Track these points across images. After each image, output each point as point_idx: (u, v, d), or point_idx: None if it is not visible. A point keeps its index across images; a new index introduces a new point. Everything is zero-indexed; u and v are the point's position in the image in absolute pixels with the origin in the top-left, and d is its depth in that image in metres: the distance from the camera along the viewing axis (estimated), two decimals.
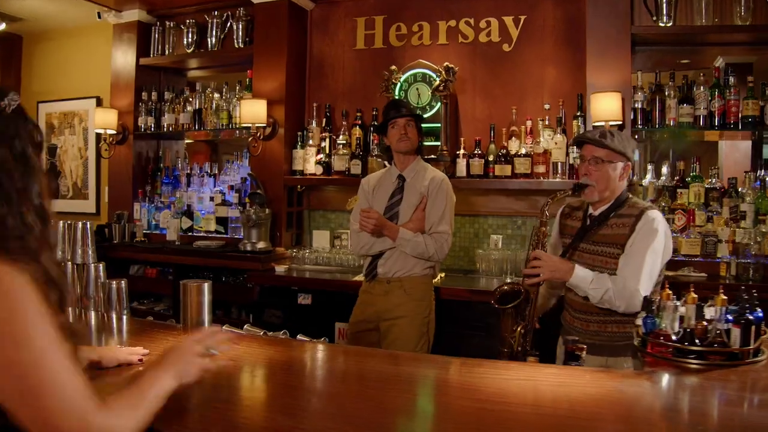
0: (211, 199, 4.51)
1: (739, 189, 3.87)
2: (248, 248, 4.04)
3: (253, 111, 4.07)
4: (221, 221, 4.40)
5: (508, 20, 4.23)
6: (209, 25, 4.53)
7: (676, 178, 3.94)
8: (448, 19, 4.32)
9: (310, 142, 4.31)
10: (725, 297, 1.80)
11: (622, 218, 2.48)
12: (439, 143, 4.03)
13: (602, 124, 3.67)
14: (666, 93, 3.86)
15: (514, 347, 2.46)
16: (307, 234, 4.58)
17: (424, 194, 3.24)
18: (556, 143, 3.97)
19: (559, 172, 3.98)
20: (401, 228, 3.15)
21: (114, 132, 4.66)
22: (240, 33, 4.46)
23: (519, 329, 2.46)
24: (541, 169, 3.97)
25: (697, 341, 1.78)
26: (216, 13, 4.53)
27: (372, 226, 3.10)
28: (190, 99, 4.60)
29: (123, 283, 2.29)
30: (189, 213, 4.50)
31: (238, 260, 4.02)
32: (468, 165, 4.05)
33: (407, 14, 4.39)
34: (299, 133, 4.37)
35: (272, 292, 3.84)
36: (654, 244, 2.38)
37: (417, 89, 4.13)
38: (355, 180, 4.15)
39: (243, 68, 4.56)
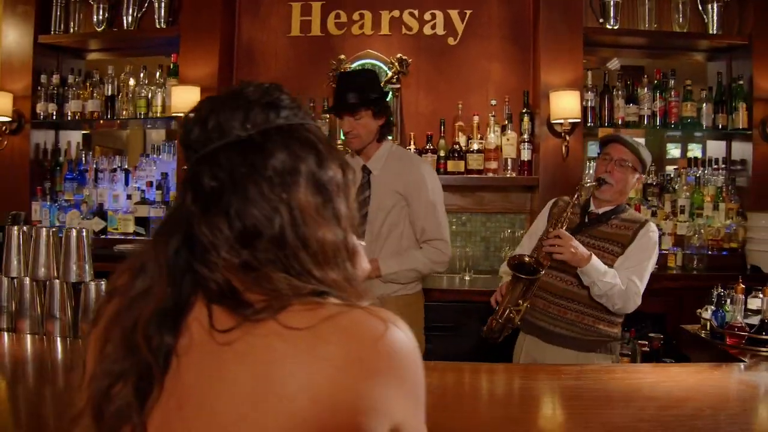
0: (129, 197, 4.19)
1: (675, 185, 4.25)
2: None
3: (184, 99, 3.83)
4: (141, 222, 4.10)
5: (454, 14, 4.30)
6: (124, 2, 4.23)
7: None
8: (392, 9, 4.30)
9: None
10: None
11: (624, 222, 2.64)
12: (390, 138, 4.02)
13: (561, 121, 3.83)
14: (614, 93, 4.13)
15: (514, 321, 2.52)
16: None
17: (401, 194, 2.81)
18: (508, 139, 4.09)
19: (510, 167, 4.12)
20: (380, 259, 2.76)
21: (8, 119, 4.21)
22: (162, 12, 4.18)
23: (525, 304, 2.51)
24: (492, 165, 4.08)
25: None
26: None
27: None
28: (101, 84, 4.27)
29: None
30: (101, 213, 4.15)
31: None
32: None
33: (348, 1, 4.32)
34: None
35: None
36: (653, 256, 2.59)
37: None
38: None
39: (165, 51, 4.28)
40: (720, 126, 4.12)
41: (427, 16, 4.30)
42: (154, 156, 4.36)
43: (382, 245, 2.80)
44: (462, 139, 4.13)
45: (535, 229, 2.89)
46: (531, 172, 4.11)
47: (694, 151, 4.83)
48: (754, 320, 2.00)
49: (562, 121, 3.83)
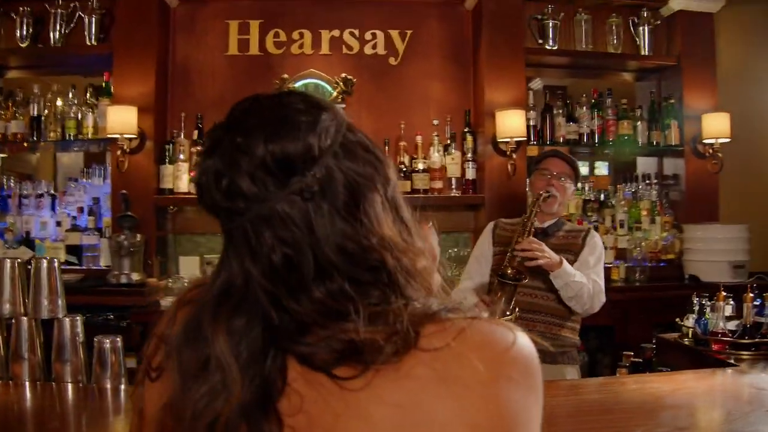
0: (58, 224, 4.00)
1: (612, 201, 4.45)
2: (123, 281, 3.64)
3: (122, 119, 3.70)
4: (73, 250, 3.92)
5: (395, 34, 4.37)
6: (51, 17, 4.06)
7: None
8: (332, 28, 4.32)
9: (181, 156, 4.04)
10: None
11: (569, 232, 2.85)
12: None
13: (508, 140, 3.94)
14: (554, 111, 4.29)
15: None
16: (173, 261, 4.26)
17: None
18: (453, 158, 4.17)
19: (454, 186, 4.19)
20: None
21: None
22: (93, 28, 4.04)
23: (514, 315, 2.56)
24: (438, 184, 4.14)
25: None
26: (61, 2, 4.08)
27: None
28: (26, 104, 4.07)
29: (118, 340, 1.84)
30: (28, 242, 3.94)
31: (114, 295, 3.58)
32: None
33: (286, 20, 4.31)
34: (167, 147, 4.07)
35: None
36: (603, 258, 2.80)
37: None
38: None
39: (95, 70, 4.13)
40: (654, 143, 4.35)
41: (367, 36, 4.35)
42: (84, 180, 4.19)
43: None
44: (405, 159, 4.18)
45: (479, 252, 3.01)
46: (476, 191, 4.20)
47: (601, 168, 5.11)
48: (729, 326, 2.13)
49: (508, 139, 3.94)
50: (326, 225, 0.72)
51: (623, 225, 4.28)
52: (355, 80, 4.04)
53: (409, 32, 4.36)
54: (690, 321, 2.23)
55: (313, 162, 0.72)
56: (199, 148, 4.04)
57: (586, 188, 4.47)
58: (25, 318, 1.90)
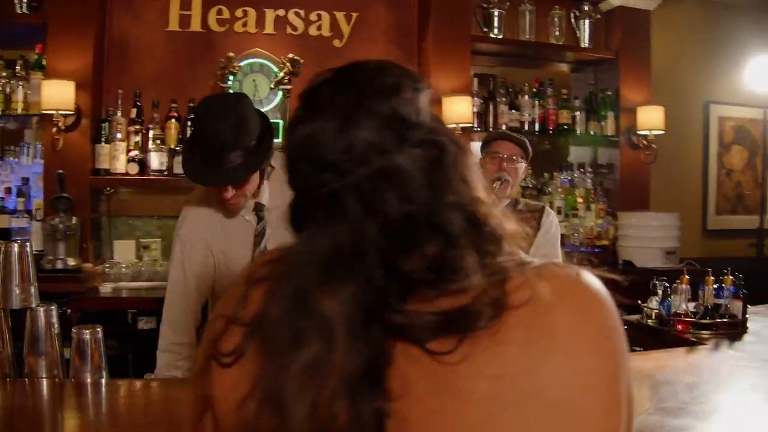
0: None
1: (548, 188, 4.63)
2: (59, 266, 3.51)
3: (57, 95, 3.55)
4: (1, 234, 3.75)
5: (340, 16, 4.37)
6: None
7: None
8: (277, 7, 4.27)
9: (118, 135, 3.92)
10: (732, 277, 2.36)
11: (523, 213, 2.84)
12: (279, 140, 3.99)
13: (454, 126, 4.03)
14: (498, 99, 4.41)
15: None
16: (107, 245, 4.14)
17: None
18: None
19: None
20: None
21: None
22: None
23: None
24: None
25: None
26: None
27: None
28: None
29: (99, 331, 1.73)
30: None
31: (48, 282, 3.41)
32: None
33: None
34: (103, 125, 3.94)
35: (100, 319, 3.35)
36: (559, 237, 2.89)
37: (254, 81, 4.03)
38: (176, 181, 3.91)
39: (26, 42, 3.95)
40: (592, 132, 4.54)
41: (312, 17, 4.32)
42: (11, 159, 4.00)
43: None
44: None
45: None
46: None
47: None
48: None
49: (454, 125, 4.02)
50: (441, 182, 0.74)
51: (560, 212, 4.46)
52: (302, 61, 4.02)
53: (354, 15, 4.37)
54: (654, 303, 2.38)
55: (423, 123, 0.76)
56: (136, 127, 3.94)
57: (527, 176, 4.62)
58: None
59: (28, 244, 1.82)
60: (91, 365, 1.72)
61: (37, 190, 3.89)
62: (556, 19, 4.49)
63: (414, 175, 0.74)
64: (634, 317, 2.51)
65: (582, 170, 4.69)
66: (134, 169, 3.87)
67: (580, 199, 4.55)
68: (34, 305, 1.79)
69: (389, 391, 0.69)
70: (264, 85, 4.03)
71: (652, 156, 4.42)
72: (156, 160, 3.89)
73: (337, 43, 4.35)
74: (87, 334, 1.73)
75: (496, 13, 4.34)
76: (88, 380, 1.72)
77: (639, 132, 4.41)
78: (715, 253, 4.85)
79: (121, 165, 3.89)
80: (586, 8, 4.52)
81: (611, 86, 4.59)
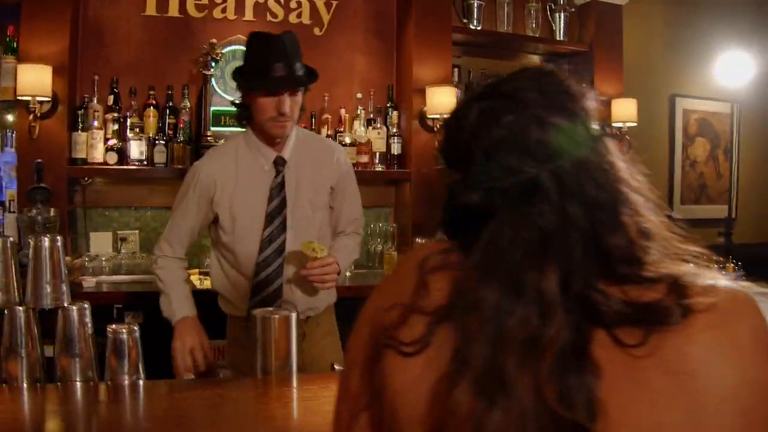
0: None
1: None
2: None
3: (34, 80, 3.44)
4: None
5: (320, 4, 4.36)
6: None
7: None
8: None
9: (95, 123, 3.84)
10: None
11: None
12: None
13: (438, 116, 4.09)
14: None
15: None
16: (83, 238, 4.05)
17: (326, 184, 2.59)
18: (378, 133, 4.27)
19: (378, 161, 4.29)
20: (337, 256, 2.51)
21: None
22: None
23: None
24: (364, 159, 4.23)
25: None
26: None
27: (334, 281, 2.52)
28: None
29: (136, 329, 1.69)
30: None
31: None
32: None
33: None
34: (79, 113, 3.85)
35: None
36: None
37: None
38: (155, 171, 3.87)
39: None
40: None
41: (293, 4, 4.31)
42: None
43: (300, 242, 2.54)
44: (329, 132, 4.22)
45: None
46: (401, 166, 4.33)
47: None
48: None
49: (438, 116, 4.09)
50: (621, 177, 0.85)
51: None
52: None
53: (335, 2, 4.38)
54: None
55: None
56: (114, 115, 3.87)
57: None
58: (21, 308, 1.70)
59: (59, 237, 1.77)
60: (129, 366, 1.68)
61: (10, 181, 3.79)
62: (532, 12, 4.60)
63: (602, 167, 0.83)
64: None
65: None
66: (113, 158, 3.80)
67: None
68: (66, 304, 1.73)
69: (598, 367, 0.72)
70: None
71: (625, 147, 4.58)
72: (135, 149, 3.83)
73: (317, 31, 4.36)
74: (124, 333, 1.70)
75: (476, 4, 4.42)
76: (126, 382, 1.68)
77: (613, 124, 4.57)
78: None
79: (98, 154, 3.81)
80: (561, 1, 4.65)
81: (585, 79, 4.73)
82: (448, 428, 0.76)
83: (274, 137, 2.47)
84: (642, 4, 4.97)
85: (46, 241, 1.73)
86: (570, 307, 0.75)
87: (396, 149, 4.30)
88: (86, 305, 1.75)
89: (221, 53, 3.92)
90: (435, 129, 4.19)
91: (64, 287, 1.75)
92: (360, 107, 4.28)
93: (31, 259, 1.73)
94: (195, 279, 3.72)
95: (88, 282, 3.54)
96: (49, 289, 1.71)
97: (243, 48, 3.97)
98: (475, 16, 4.44)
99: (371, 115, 4.32)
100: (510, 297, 0.76)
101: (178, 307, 2.48)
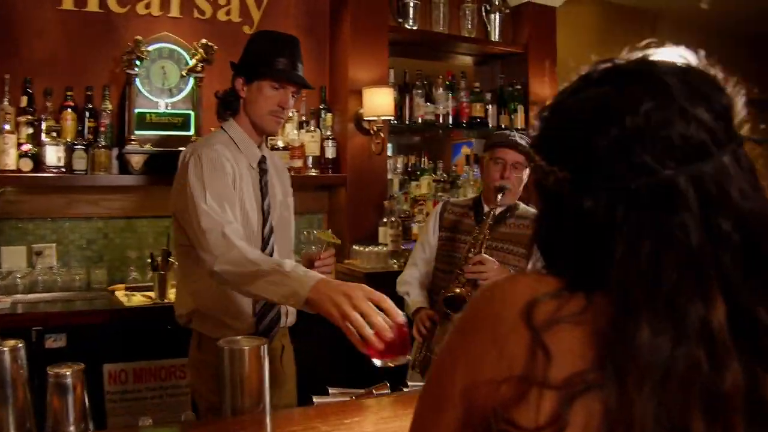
0: None
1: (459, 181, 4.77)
2: None
3: None
4: None
5: (251, 1, 4.26)
6: None
7: (409, 170, 4.72)
8: None
9: (7, 127, 3.59)
10: None
11: (521, 219, 2.83)
12: (191, 133, 3.84)
13: (375, 118, 4.04)
14: (414, 92, 4.47)
15: None
16: None
17: (291, 193, 2.71)
18: (312, 136, 4.19)
19: (311, 165, 4.21)
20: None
21: None
22: None
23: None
24: (297, 163, 4.13)
25: None
26: None
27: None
28: None
29: (81, 370, 1.49)
30: None
31: None
32: None
33: None
34: None
35: None
36: None
37: (163, 68, 3.81)
38: (78, 179, 3.66)
39: None
40: (503, 126, 4.71)
41: (221, 1, 4.18)
42: None
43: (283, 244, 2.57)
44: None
45: (424, 239, 3.04)
46: (336, 170, 4.26)
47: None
48: None
49: (375, 117, 4.04)
50: (758, 184, 0.73)
51: None
52: (216, 48, 3.86)
53: (265, 0, 4.28)
54: None
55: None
56: (28, 117, 3.63)
57: (440, 169, 4.75)
58: None
59: None
60: (74, 414, 1.47)
61: None
62: (467, 12, 4.61)
63: (744, 172, 0.72)
64: None
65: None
66: (27, 165, 3.56)
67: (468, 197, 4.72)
68: None
69: None
70: (174, 72, 3.84)
71: None
72: (52, 155, 3.60)
73: (247, 29, 4.22)
74: (68, 377, 1.48)
75: (411, 4, 4.39)
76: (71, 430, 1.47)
77: None
78: None
79: (11, 161, 3.56)
80: (497, 2, 4.68)
81: (519, 80, 4.78)
82: None
83: (270, 132, 2.54)
84: (574, 7, 5.07)
85: None
86: (740, 346, 0.66)
87: (330, 153, 4.23)
88: (21, 345, 1.55)
89: (147, 51, 3.74)
90: (372, 131, 4.14)
91: None
92: (295, 109, 4.18)
93: None
94: (121, 296, 3.54)
95: (2, 302, 3.29)
96: None
97: (170, 46, 3.93)
98: (411, 16, 4.40)
99: (303, 118, 4.23)
100: (673, 337, 0.65)
101: (302, 272, 1.88)
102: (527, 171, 2.75)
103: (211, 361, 2.17)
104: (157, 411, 3.26)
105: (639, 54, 0.82)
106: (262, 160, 2.50)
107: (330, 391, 1.83)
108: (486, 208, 2.83)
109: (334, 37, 4.38)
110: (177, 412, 3.32)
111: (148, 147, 3.71)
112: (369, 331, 1.56)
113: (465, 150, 5.24)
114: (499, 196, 2.68)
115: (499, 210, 2.77)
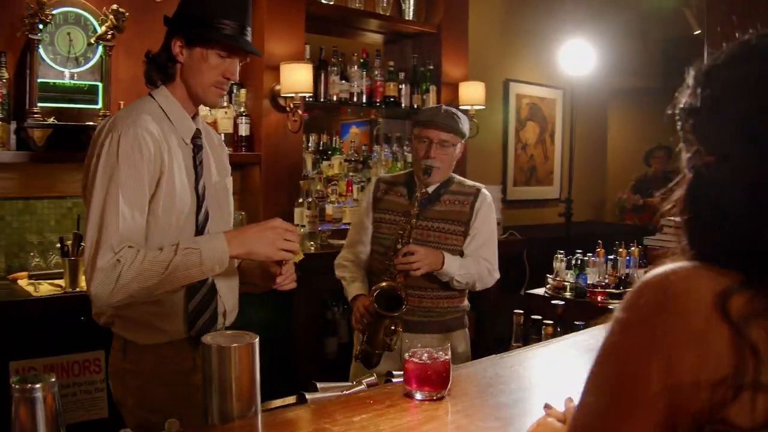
0: None
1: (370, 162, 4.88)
2: None
3: None
4: None
5: None
6: None
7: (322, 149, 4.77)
8: None
9: None
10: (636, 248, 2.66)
11: (455, 195, 2.88)
12: (98, 106, 3.69)
13: (293, 95, 4.04)
14: (329, 69, 4.51)
15: (391, 346, 2.68)
16: None
17: (230, 174, 2.37)
18: (226, 113, 4.13)
19: (223, 142, 4.14)
20: None
21: None
22: None
23: (398, 328, 2.68)
24: None
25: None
26: None
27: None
28: None
29: (54, 382, 1.29)
30: None
31: None
32: None
33: None
34: None
35: None
36: (495, 224, 2.95)
37: (69, 34, 3.60)
38: None
39: None
40: (416, 106, 4.84)
41: None
42: None
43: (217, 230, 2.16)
44: None
45: (358, 220, 3.06)
46: (250, 149, 4.23)
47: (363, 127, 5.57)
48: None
49: (293, 94, 4.04)
50: None
51: None
52: (127, 14, 3.72)
53: None
54: (570, 276, 2.73)
55: None
56: None
57: (351, 148, 4.83)
58: None
59: None
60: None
61: None
62: None
63: None
64: (539, 290, 2.86)
65: (399, 143, 5.02)
66: None
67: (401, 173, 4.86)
68: None
69: None
70: (80, 39, 3.65)
71: (474, 130, 4.87)
72: None
73: None
74: (38, 391, 1.28)
75: None
76: None
77: (461, 106, 4.81)
78: (514, 221, 5.49)
79: None
80: None
81: (431, 60, 4.93)
82: None
83: (211, 105, 2.25)
84: None
85: None
86: None
87: (244, 130, 4.19)
88: None
89: (51, 15, 3.54)
90: (288, 108, 4.14)
91: None
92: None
93: None
94: (26, 285, 3.36)
95: None
96: None
97: (77, 11, 3.75)
98: None
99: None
100: None
101: (205, 238, 1.95)
102: (457, 146, 2.85)
103: (139, 371, 2.06)
104: (73, 409, 3.14)
105: None
106: (197, 135, 2.17)
107: (318, 386, 1.78)
108: (421, 187, 2.85)
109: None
110: (92, 410, 3.23)
111: (52, 120, 3.53)
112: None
113: (354, 130, 5.36)
114: (425, 176, 2.76)
115: (431, 189, 2.86)
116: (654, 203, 5.44)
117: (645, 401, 0.75)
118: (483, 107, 4.87)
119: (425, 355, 1.68)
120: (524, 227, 5.09)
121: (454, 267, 2.74)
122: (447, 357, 1.68)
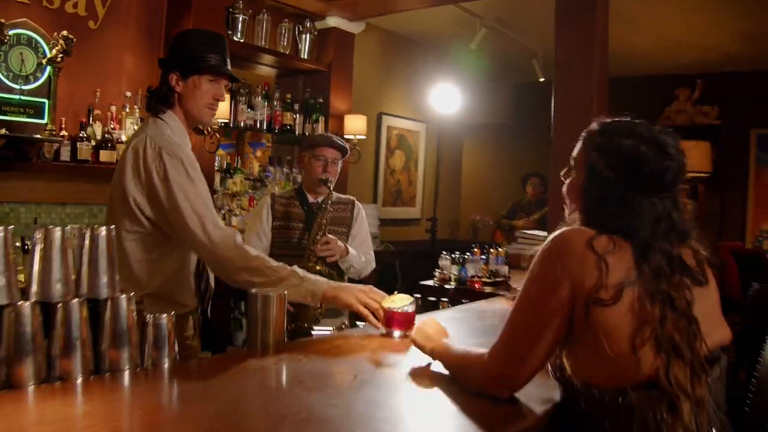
0: None
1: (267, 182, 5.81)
2: None
3: None
4: None
5: None
6: None
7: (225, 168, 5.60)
8: None
9: None
10: (501, 249, 3.82)
11: (338, 204, 3.76)
12: (45, 121, 4.31)
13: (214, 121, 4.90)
14: (238, 98, 5.40)
15: (319, 321, 3.37)
16: None
17: None
18: None
19: None
20: None
21: None
22: None
23: (320, 309, 3.35)
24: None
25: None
26: None
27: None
28: None
29: (173, 315, 1.89)
30: None
31: None
32: (75, 149, 4.54)
33: None
34: None
35: None
36: (368, 226, 3.92)
37: (21, 54, 4.19)
38: None
39: None
40: (306, 133, 5.82)
41: None
42: None
43: None
44: (97, 129, 4.63)
45: (259, 228, 3.74)
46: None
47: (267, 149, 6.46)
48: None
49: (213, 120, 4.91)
50: None
51: None
52: (75, 40, 4.35)
53: None
54: (455, 269, 3.91)
55: None
56: None
57: (256, 168, 5.74)
58: (76, 301, 1.70)
59: (113, 227, 1.87)
60: (168, 351, 1.86)
61: None
62: (284, 31, 5.67)
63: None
64: (428, 282, 4.04)
65: (290, 166, 5.99)
66: None
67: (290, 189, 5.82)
68: (117, 295, 1.81)
69: None
70: (31, 60, 4.26)
71: (357, 156, 5.95)
72: None
73: (92, 24, 4.72)
74: (164, 320, 1.85)
75: (240, 18, 5.32)
76: (166, 365, 1.85)
77: (346, 136, 5.86)
78: (387, 237, 6.63)
79: None
80: (308, 25, 5.81)
81: (322, 95, 5.96)
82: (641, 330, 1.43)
83: (206, 123, 2.96)
84: (367, 35, 6.41)
85: (103, 231, 1.82)
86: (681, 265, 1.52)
87: None
88: (133, 294, 1.84)
89: (8, 35, 4.10)
90: (205, 132, 4.98)
91: (117, 278, 1.85)
92: (135, 105, 4.82)
93: (87, 251, 1.82)
94: None
95: None
96: (104, 279, 1.80)
97: (30, 34, 4.38)
98: (239, 29, 5.34)
99: (145, 114, 4.87)
100: (662, 255, 1.50)
101: (312, 277, 2.57)
102: (341, 163, 3.76)
103: None
104: None
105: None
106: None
107: (314, 330, 2.69)
108: (310, 198, 3.73)
109: (169, 39, 5.08)
110: None
111: (3, 132, 4.09)
112: (380, 315, 2.44)
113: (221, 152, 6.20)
114: (324, 189, 3.59)
115: (320, 198, 3.67)
116: (517, 225, 6.84)
117: (558, 310, 1.51)
118: (365, 137, 5.97)
119: (403, 307, 2.42)
120: (395, 242, 6.27)
121: (354, 255, 3.63)
122: (413, 308, 2.45)
